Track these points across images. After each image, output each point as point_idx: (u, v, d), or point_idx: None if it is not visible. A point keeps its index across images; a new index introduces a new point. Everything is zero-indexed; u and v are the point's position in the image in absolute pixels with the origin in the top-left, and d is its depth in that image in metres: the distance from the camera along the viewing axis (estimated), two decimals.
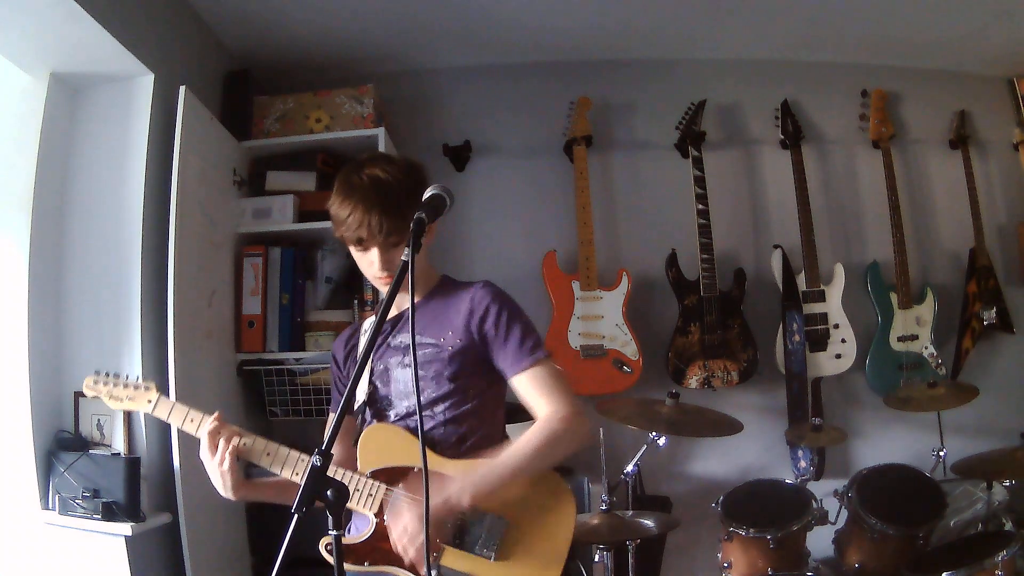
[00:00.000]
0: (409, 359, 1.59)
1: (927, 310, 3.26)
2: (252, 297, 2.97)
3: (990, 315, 3.26)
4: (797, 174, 3.33)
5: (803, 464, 3.16)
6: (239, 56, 3.29)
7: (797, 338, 3.16)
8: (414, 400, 1.58)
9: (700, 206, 3.24)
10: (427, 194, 1.36)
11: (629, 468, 2.56)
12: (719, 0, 3.10)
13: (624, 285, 3.20)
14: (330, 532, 1.16)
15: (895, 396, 2.96)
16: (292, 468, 1.54)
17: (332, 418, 1.72)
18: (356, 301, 2.98)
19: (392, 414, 1.62)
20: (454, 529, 1.50)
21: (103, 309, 2.46)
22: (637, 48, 3.50)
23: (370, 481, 1.54)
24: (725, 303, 3.21)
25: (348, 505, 1.53)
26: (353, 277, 3.04)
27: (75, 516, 2.24)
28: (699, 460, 3.31)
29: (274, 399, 2.97)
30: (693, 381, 3.16)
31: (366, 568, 1.51)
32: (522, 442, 1.51)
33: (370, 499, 1.53)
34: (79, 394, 2.38)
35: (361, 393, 1.65)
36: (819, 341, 3.21)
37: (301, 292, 3.05)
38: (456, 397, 1.58)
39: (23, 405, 2.28)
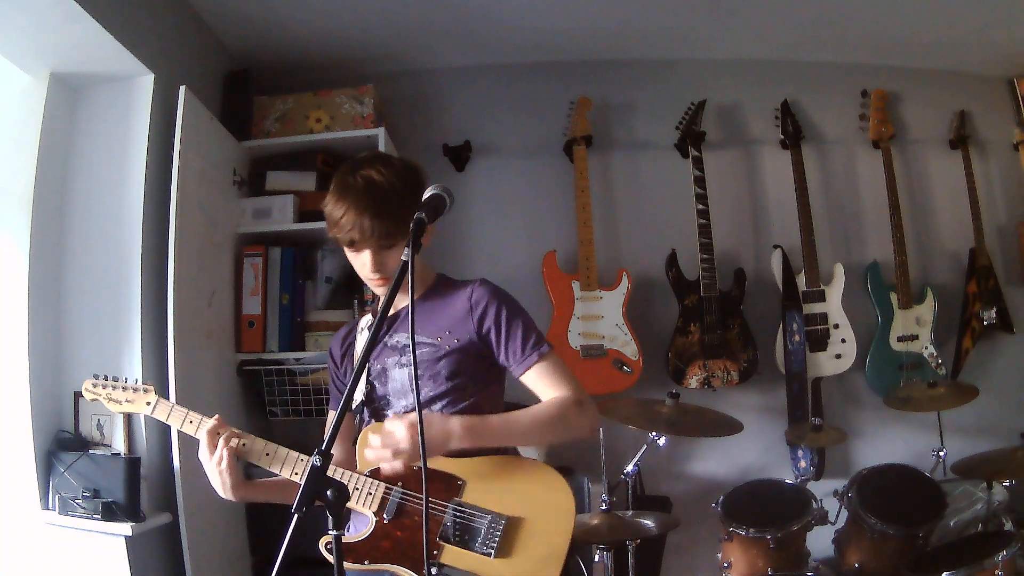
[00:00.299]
0: (406, 358, 1.60)
1: (927, 310, 3.26)
2: (252, 297, 2.97)
3: (990, 315, 3.26)
4: (797, 174, 3.33)
5: (803, 464, 3.16)
6: (239, 56, 3.29)
7: (797, 338, 3.16)
8: (412, 399, 1.58)
9: (700, 206, 3.24)
10: (427, 194, 1.36)
11: (629, 468, 2.56)
12: (719, 0, 3.10)
13: (624, 285, 3.20)
14: (330, 532, 1.16)
15: (895, 396, 2.96)
16: (292, 468, 1.55)
17: (332, 416, 1.73)
18: (356, 301, 2.98)
19: (390, 414, 1.62)
20: (453, 527, 1.50)
21: (103, 309, 2.46)
22: (637, 48, 3.50)
23: (369, 480, 1.54)
24: (725, 303, 3.21)
25: (347, 504, 1.53)
26: (353, 277, 3.03)
27: (75, 516, 2.24)
28: (699, 460, 3.31)
29: (274, 399, 2.97)
30: (693, 381, 3.16)
31: (366, 567, 1.51)
32: (537, 409, 1.54)
33: (370, 498, 1.53)
34: (79, 394, 2.38)
35: (359, 393, 1.65)
36: (819, 341, 3.21)
37: (301, 292, 3.05)
38: (453, 396, 1.58)
39: (23, 405, 2.28)
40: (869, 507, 2.53)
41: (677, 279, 3.23)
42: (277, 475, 1.56)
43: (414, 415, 1.40)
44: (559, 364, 1.59)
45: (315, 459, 1.15)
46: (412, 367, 1.55)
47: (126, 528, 2.21)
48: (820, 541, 2.65)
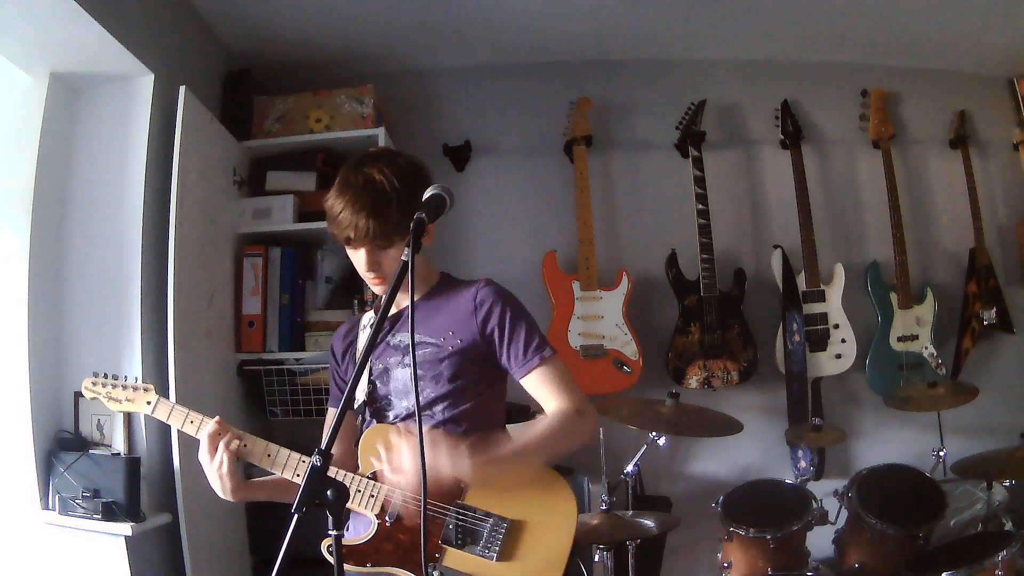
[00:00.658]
0: (408, 359, 1.59)
1: (927, 310, 3.26)
2: (252, 297, 2.97)
3: (990, 315, 3.26)
4: (797, 174, 3.33)
5: (803, 464, 3.16)
6: (239, 56, 3.29)
7: (797, 338, 3.16)
8: (413, 400, 1.58)
9: (700, 206, 3.24)
10: (427, 194, 1.35)
11: (629, 468, 2.56)
12: (719, 0, 3.10)
13: (624, 285, 3.20)
14: (330, 532, 1.16)
15: (895, 396, 2.96)
16: (293, 470, 1.54)
17: (332, 414, 1.72)
18: (356, 301, 2.98)
19: (391, 414, 1.62)
20: (456, 529, 1.50)
21: (103, 309, 2.46)
22: (637, 48, 3.50)
23: (371, 482, 1.54)
24: (725, 303, 3.21)
25: (350, 506, 1.53)
26: (353, 277, 3.04)
27: (75, 516, 2.24)
28: (699, 460, 3.31)
29: (274, 399, 2.97)
30: (693, 381, 3.16)
31: (368, 569, 1.51)
32: (542, 428, 1.53)
33: (371, 500, 1.53)
34: (79, 394, 2.38)
35: (361, 392, 1.65)
36: (819, 341, 3.21)
37: (301, 292, 3.05)
38: (455, 397, 1.58)
39: (23, 405, 2.28)
40: (869, 507, 2.53)
41: (677, 279, 3.23)
42: (277, 475, 1.56)
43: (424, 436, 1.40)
44: (560, 369, 1.59)
45: (315, 459, 1.15)
46: (420, 372, 1.56)
47: (126, 528, 2.21)
48: (820, 541, 2.65)
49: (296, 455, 1.55)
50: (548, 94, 3.51)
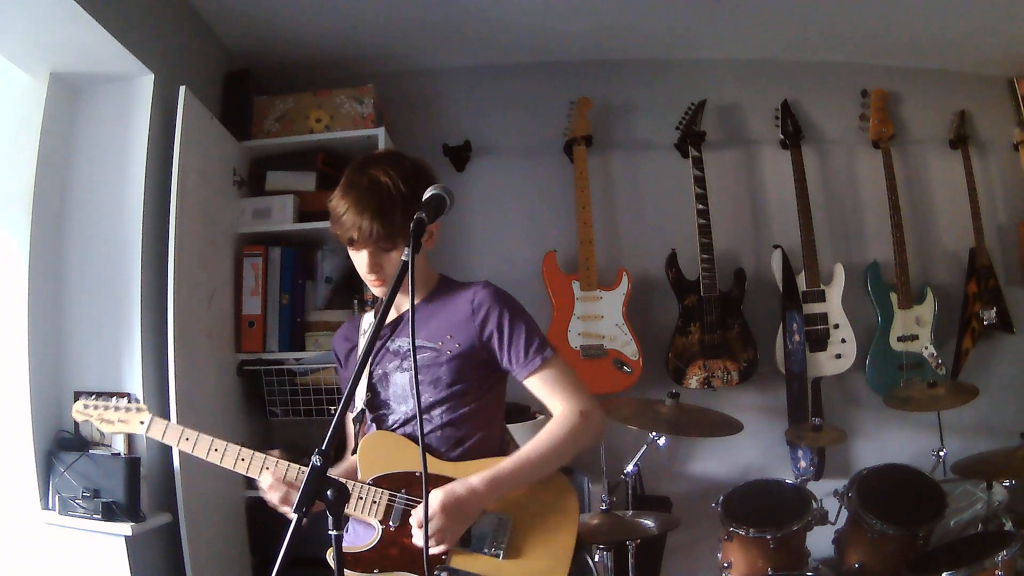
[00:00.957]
0: (407, 363, 1.59)
1: (927, 310, 3.26)
2: (252, 297, 2.97)
3: (990, 315, 3.26)
4: (797, 174, 3.33)
5: (803, 464, 3.16)
6: (239, 56, 3.29)
7: (797, 338, 3.16)
8: (412, 404, 1.58)
9: (700, 206, 3.24)
10: (427, 194, 1.35)
11: (629, 468, 2.57)
12: (719, 0, 3.10)
13: (624, 285, 3.20)
14: (330, 532, 1.16)
15: (895, 396, 2.96)
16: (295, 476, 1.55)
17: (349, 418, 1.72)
18: (356, 301, 2.98)
19: (392, 420, 1.61)
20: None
21: (103, 309, 2.45)
22: (637, 48, 3.50)
23: (372, 488, 1.54)
24: (725, 303, 3.21)
25: (353, 513, 1.53)
26: (353, 277, 3.04)
27: (75, 516, 2.24)
28: (699, 460, 3.31)
29: (274, 399, 2.97)
30: (693, 381, 3.16)
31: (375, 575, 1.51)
32: (546, 437, 1.53)
33: (374, 506, 1.52)
34: (79, 394, 2.37)
35: (360, 399, 1.64)
36: (819, 341, 3.21)
37: (301, 292, 3.05)
38: (454, 401, 1.57)
39: (23, 405, 2.28)
40: (869, 507, 2.54)
41: (677, 279, 3.23)
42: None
43: (443, 495, 1.43)
44: (563, 369, 1.58)
45: (315, 459, 1.15)
46: (412, 372, 1.55)
47: (126, 528, 2.20)
48: (820, 541, 2.65)
49: (294, 466, 1.55)
50: (548, 94, 3.51)
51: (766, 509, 2.59)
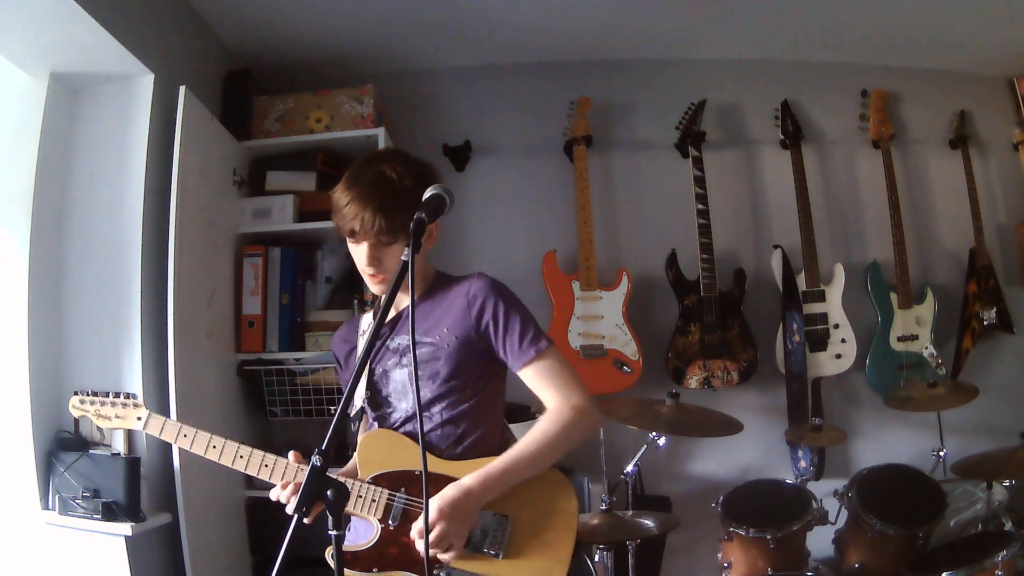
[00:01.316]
0: (406, 359, 1.59)
1: (927, 310, 3.26)
2: (252, 297, 2.97)
3: (990, 315, 3.26)
4: (797, 174, 3.33)
5: (803, 464, 3.16)
6: (239, 56, 3.29)
7: (797, 338, 3.16)
8: (411, 401, 1.58)
9: (700, 206, 3.24)
10: (427, 194, 1.36)
11: (629, 468, 2.56)
12: (719, 0, 3.10)
13: (624, 285, 3.20)
14: (330, 532, 1.16)
15: (895, 396, 2.96)
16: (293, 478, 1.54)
17: (364, 422, 1.72)
18: (356, 301, 2.98)
19: (392, 418, 1.61)
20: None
21: (103, 309, 2.46)
22: (637, 48, 3.50)
23: (372, 487, 1.53)
24: (725, 303, 3.21)
25: (352, 512, 1.53)
26: (353, 277, 3.04)
27: (75, 516, 2.24)
28: (699, 460, 3.31)
29: (274, 399, 2.97)
30: (693, 381, 3.16)
31: (375, 574, 1.50)
32: (538, 433, 1.52)
33: (373, 504, 1.52)
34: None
35: (359, 398, 1.64)
36: (819, 341, 3.21)
37: (301, 292, 3.05)
38: (454, 396, 1.57)
39: (23, 405, 2.28)
40: (869, 507, 2.53)
41: (677, 279, 3.23)
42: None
43: (439, 502, 1.42)
44: (557, 361, 1.57)
45: (315, 459, 1.15)
46: (412, 368, 1.55)
47: (126, 528, 2.21)
48: (820, 541, 2.65)
49: (293, 464, 1.55)
50: (548, 94, 3.51)
51: (766, 509, 2.59)
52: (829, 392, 3.29)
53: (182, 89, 2.56)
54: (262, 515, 2.82)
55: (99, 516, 2.21)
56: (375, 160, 1.59)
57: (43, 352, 2.35)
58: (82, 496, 2.24)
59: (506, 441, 1.62)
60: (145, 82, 2.56)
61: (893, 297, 3.27)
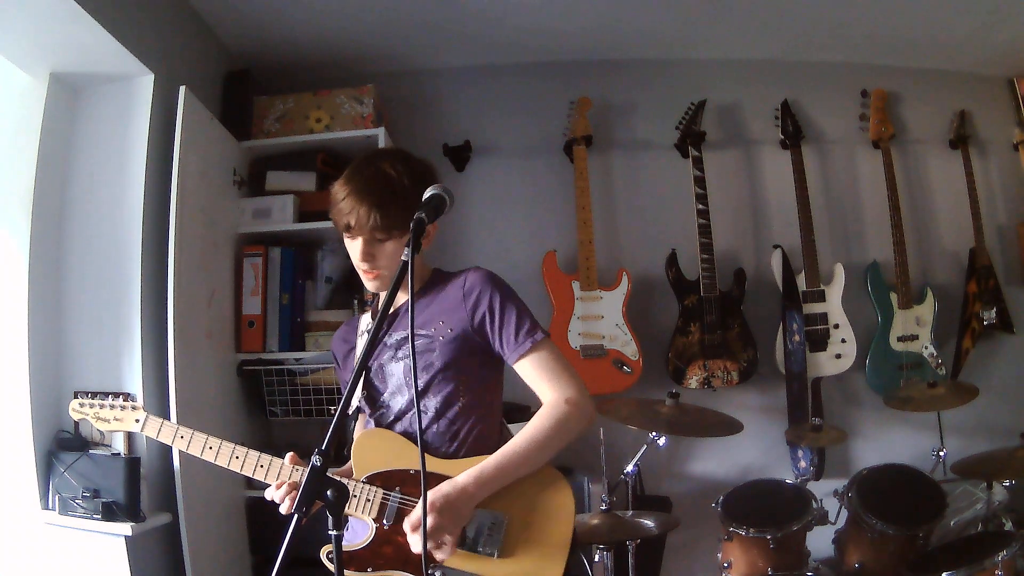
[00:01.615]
0: (402, 352, 1.59)
1: (927, 310, 3.26)
2: (252, 297, 2.97)
3: (990, 315, 3.26)
4: (797, 174, 3.33)
5: (803, 464, 3.16)
6: (239, 56, 3.29)
7: (797, 338, 3.16)
8: (407, 396, 1.58)
9: (700, 206, 3.24)
10: (427, 194, 1.36)
11: (629, 468, 2.56)
12: (719, 0, 3.10)
13: (624, 285, 3.20)
14: (330, 532, 1.16)
15: (895, 396, 2.96)
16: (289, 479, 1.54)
17: (361, 421, 1.72)
18: (356, 301, 2.98)
19: (388, 413, 1.61)
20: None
21: (103, 309, 2.46)
22: (637, 48, 3.50)
23: (366, 486, 1.53)
24: (725, 303, 3.21)
25: (347, 511, 1.52)
26: (353, 277, 3.03)
27: (75, 516, 2.24)
28: (699, 460, 3.31)
29: (274, 399, 2.97)
30: (693, 381, 3.16)
31: (369, 574, 1.50)
32: (531, 430, 1.51)
33: (368, 504, 1.52)
34: (79, 393, 2.37)
35: (356, 399, 1.64)
36: (819, 341, 3.21)
37: (301, 292, 3.05)
38: (448, 389, 1.56)
39: (23, 405, 2.28)
40: (869, 507, 2.53)
41: (677, 279, 3.23)
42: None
43: (433, 496, 1.42)
44: (553, 353, 1.56)
45: (315, 459, 1.15)
46: (410, 362, 1.55)
47: (126, 528, 2.21)
48: (820, 541, 2.65)
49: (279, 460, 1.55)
50: (548, 94, 3.51)
51: (766, 509, 2.59)
52: (829, 392, 3.29)
53: (182, 89, 2.56)
54: (262, 515, 2.82)
55: (99, 516, 2.21)
56: (375, 157, 1.60)
57: (43, 352, 2.35)
58: (82, 496, 2.24)
59: (504, 440, 1.62)
60: (145, 82, 2.56)
61: (893, 297, 3.27)
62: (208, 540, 2.53)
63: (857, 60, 3.54)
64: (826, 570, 2.61)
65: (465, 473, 1.48)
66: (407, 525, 1.47)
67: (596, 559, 2.42)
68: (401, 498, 1.52)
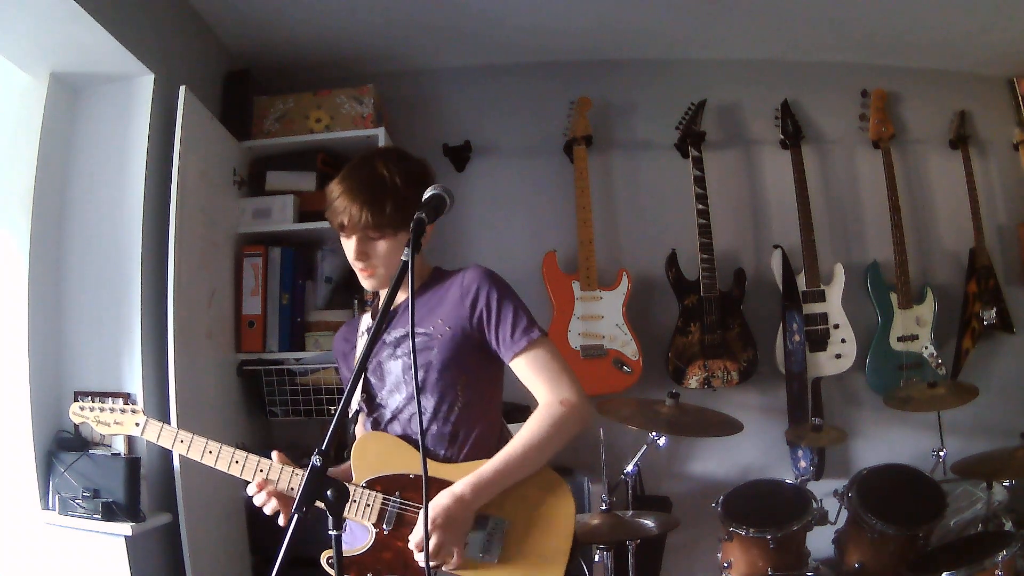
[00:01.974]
0: (400, 350, 1.59)
1: (927, 310, 3.26)
2: (252, 297, 2.97)
3: (990, 315, 3.25)
4: (797, 174, 3.33)
5: (803, 464, 3.16)
6: (239, 56, 3.29)
7: (797, 338, 3.16)
8: (405, 394, 1.57)
9: (700, 206, 3.24)
10: (427, 194, 1.35)
11: (629, 468, 2.56)
12: (719, 0, 3.10)
13: (624, 285, 3.20)
14: (330, 532, 1.16)
15: (895, 396, 2.96)
16: (288, 482, 1.54)
17: (361, 420, 1.72)
18: (356, 301, 2.98)
19: (385, 412, 1.61)
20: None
21: (103, 309, 2.46)
22: (637, 48, 3.50)
23: (366, 491, 1.52)
24: (725, 303, 3.21)
25: (346, 516, 1.52)
26: (353, 277, 3.02)
27: (75, 516, 2.24)
28: (699, 460, 3.31)
29: (274, 399, 2.97)
30: (693, 381, 3.16)
31: None
32: (527, 432, 1.50)
33: (368, 509, 1.51)
34: (79, 394, 2.37)
35: (357, 397, 1.64)
36: (819, 341, 3.21)
37: (301, 292, 3.05)
38: (446, 388, 1.55)
39: (23, 405, 2.28)
40: (869, 507, 2.53)
41: (677, 279, 3.23)
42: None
43: (433, 512, 1.41)
44: (550, 352, 1.55)
45: (315, 459, 1.15)
46: (407, 360, 1.55)
47: (126, 528, 2.21)
48: (820, 541, 2.65)
49: (288, 468, 1.55)
50: (548, 94, 3.51)
51: (766, 509, 2.59)
52: (829, 392, 3.29)
53: (182, 89, 2.56)
54: (262, 515, 2.80)
55: (99, 516, 2.21)
56: (369, 157, 1.60)
57: (43, 352, 2.35)
58: (82, 496, 2.24)
59: (503, 441, 1.61)
60: (145, 82, 2.56)
61: (893, 297, 3.27)
62: (208, 540, 2.52)
63: (857, 60, 3.54)
64: (826, 570, 2.61)
65: (463, 481, 1.46)
66: (412, 544, 1.46)
67: (596, 559, 2.42)
68: (401, 503, 1.51)
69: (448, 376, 1.55)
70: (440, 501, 1.44)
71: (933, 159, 3.54)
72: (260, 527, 2.84)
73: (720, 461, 3.28)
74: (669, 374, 3.17)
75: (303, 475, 1.51)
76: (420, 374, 1.55)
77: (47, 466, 2.31)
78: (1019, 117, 3.54)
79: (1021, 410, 3.23)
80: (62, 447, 2.33)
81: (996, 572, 2.13)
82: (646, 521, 2.43)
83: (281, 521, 1.51)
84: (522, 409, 2.47)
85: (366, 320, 1.78)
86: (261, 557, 2.83)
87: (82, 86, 2.57)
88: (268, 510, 1.53)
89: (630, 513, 2.52)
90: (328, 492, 1.16)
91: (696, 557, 3.06)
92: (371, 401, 1.63)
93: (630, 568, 2.38)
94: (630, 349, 3.14)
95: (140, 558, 2.27)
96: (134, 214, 2.48)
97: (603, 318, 3.16)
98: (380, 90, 3.23)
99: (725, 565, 2.59)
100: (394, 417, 1.60)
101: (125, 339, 2.43)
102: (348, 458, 1.59)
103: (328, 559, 1.47)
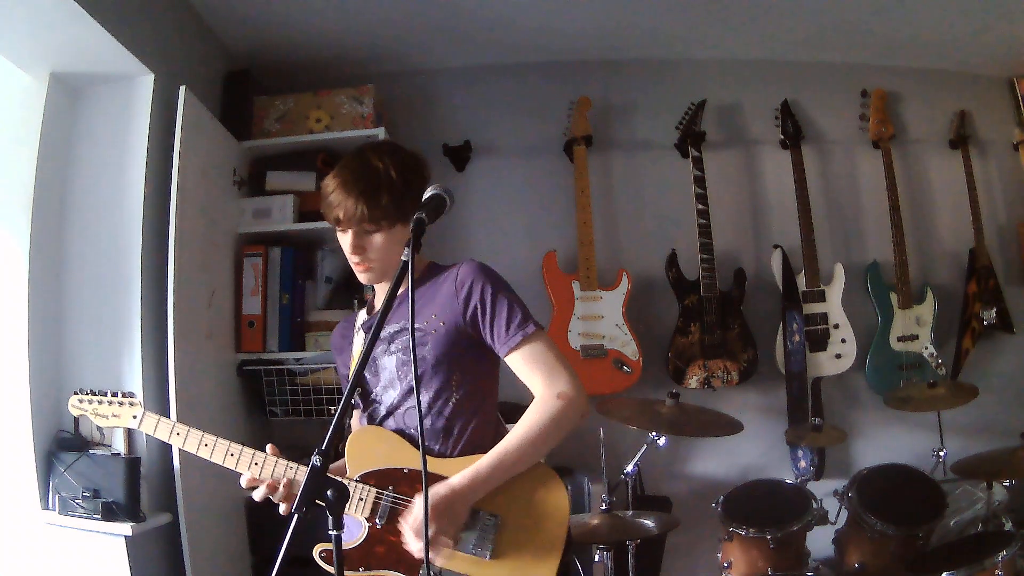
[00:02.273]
0: (395, 345, 1.59)
1: (927, 310, 3.26)
2: (252, 297, 2.97)
3: (990, 315, 3.25)
4: (797, 174, 3.33)
5: (803, 464, 3.16)
6: (239, 56, 3.29)
7: (797, 338, 3.16)
8: (400, 389, 1.57)
9: (700, 206, 3.24)
10: (427, 194, 1.35)
11: (629, 468, 2.56)
12: (719, 0, 3.10)
13: (624, 285, 3.20)
14: (330, 532, 1.16)
15: (895, 396, 2.96)
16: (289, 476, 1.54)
17: (356, 415, 1.72)
18: (356, 301, 2.98)
19: (380, 407, 1.61)
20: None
21: (103, 309, 2.46)
22: (637, 48, 3.50)
23: (360, 485, 1.52)
24: (725, 303, 3.21)
25: None
26: (353, 277, 3.02)
27: (75, 516, 2.24)
28: (699, 460, 3.31)
29: (274, 399, 2.97)
30: (693, 381, 3.16)
31: (361, 574, 1.50)
32: (524, 427, 1.50)
33: (361, 503, 1.51)
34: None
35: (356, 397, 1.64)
36: (819, 341, 3.21)
37: (301, 292, 3.05)
38: (440, 384, 1.55)
39: (23, 405, 2.28)
40: (869, 507, 2.54)
41: (677, 279, 3.23)
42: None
43: (430, 501, 1.41)
44: (545, 346, 1.53)
45: (315, 459, 1.15)
46: (402, 356, 1.55)
47: (126, 528, 2.21)
48: (820, 541, 2.66)
49: (290, 464, 1.55)
50: (548, 94, 3.51)
51: (766, 509, 2.60)
52: (829, 392, 3.29)
53: (182, 89, 2.56)
54: (262, 515, 2.81)
55: (99, 516, 2.21)
56: (363, 150, 1.61)
57: (43, 352, 2.35)
58: (82, 496, 2.24)
59: (499, 437, 1.61)
60: (145, 82, 2.56)
61: (893, 297, 3.27)
62: (208, 540, 2.52)
63: (857, 60, 3.54)
64: (826, 570, 2.61)
65: (460, 474, 1.47)
66: (407, 527, 1.46)
67: (596, 559, 2.42)
68: (394, 497, 1.51)
69: (442, 371, 1.55)
70: (438, 491, 1.45)
71: (933, 159, 3.53)
72: (260, 527, 2.84)
73: (720, 461, 3.28)
74: (669, 374, 3.17)
75: (300, 470, 1.52)
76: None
77: (47, 466, 2.31)
78: (1019, 117, 3.54)
79: (1021, 410, 3.23)
80: (62, 447, 2.33)
81: (996, 572, 2.13)
82: (646, 521, 2.43)
83: (282, 511, 1.50)
84: (522, 409, 2.47)
85: (362, 316, 1.78)
86: (261, 557, 2.83)
87: (82, 86, 2.57)
88: (259, 496, 1.52)
89: (630, 513, 2.52)
90: (328, 492, 1.16)
91: (696, 557, 3.06)
92: (366, 397, 1.64)
93: (630, 568, 2.38)
94: (630, 349, 3.14)
95: (140, 558, 2.27)
96: (134, 214, 2.48)
97: (603, 318, 3.16)
98: (380, 90, 3.23)
99: (725, 565, 2.59)
100: (389, 413, 1.60)
101: (125, 339, 2.43)
102: (343, 453, 1.59)
103: (320, 552, 1.47)
